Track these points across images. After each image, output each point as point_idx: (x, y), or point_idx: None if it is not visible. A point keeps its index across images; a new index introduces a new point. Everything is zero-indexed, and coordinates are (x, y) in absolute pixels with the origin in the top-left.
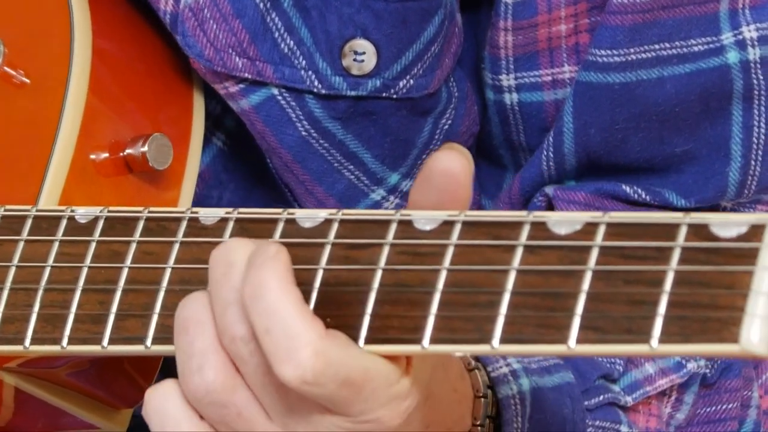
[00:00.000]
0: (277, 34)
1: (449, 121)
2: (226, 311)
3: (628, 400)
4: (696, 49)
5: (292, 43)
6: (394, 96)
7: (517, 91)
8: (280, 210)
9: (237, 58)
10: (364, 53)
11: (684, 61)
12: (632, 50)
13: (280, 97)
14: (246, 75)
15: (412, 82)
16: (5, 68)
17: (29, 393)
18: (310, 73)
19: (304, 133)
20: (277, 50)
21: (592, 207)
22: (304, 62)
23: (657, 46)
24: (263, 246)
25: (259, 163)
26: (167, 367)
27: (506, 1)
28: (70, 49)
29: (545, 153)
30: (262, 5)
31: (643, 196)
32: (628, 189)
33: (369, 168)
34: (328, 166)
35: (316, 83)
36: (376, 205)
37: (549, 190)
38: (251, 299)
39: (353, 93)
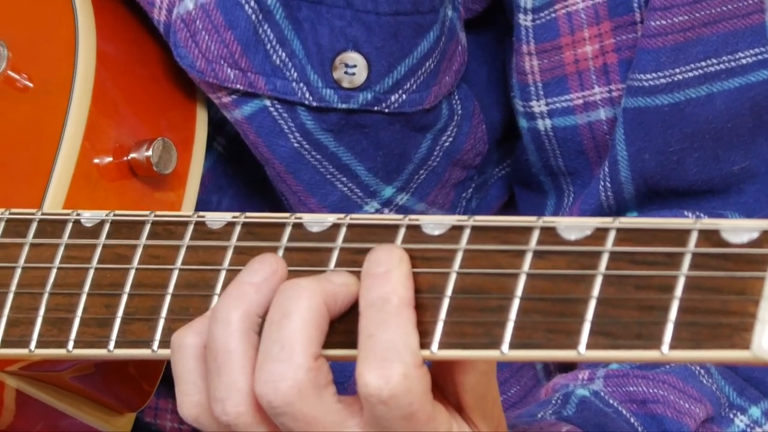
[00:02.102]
0: (269, 46)
1: (450, 139)
2: (264, 365)
3: None
4: (744, 61)
5: (284, 55)
6: (386, 110)
7: (549, 117)
8: (287, 214)
9: (229, 70)
10: (355, 66)
11: (733, 75)
12: (677, 70)
13: (272, 109)
14: (238, 86)
15: (404, 96)
16: (9, 72)
17: (32, 396)
18: (301, 85)
19: (296, 144)
20: (269, 62)
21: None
22: (295, 74)
23: (703, 63)
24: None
25: (259, 170)
26: (170, 368)
27: (526, 24)
28: (75, 54)
29: (602, 184)
30: (254, 17)
31: (704, 218)
32: (690, 215)
33: (362, 180)
34: (320, 177)
35: (307, 95)
36: None
37: None
38: (377, 300)
39: (344, 106)
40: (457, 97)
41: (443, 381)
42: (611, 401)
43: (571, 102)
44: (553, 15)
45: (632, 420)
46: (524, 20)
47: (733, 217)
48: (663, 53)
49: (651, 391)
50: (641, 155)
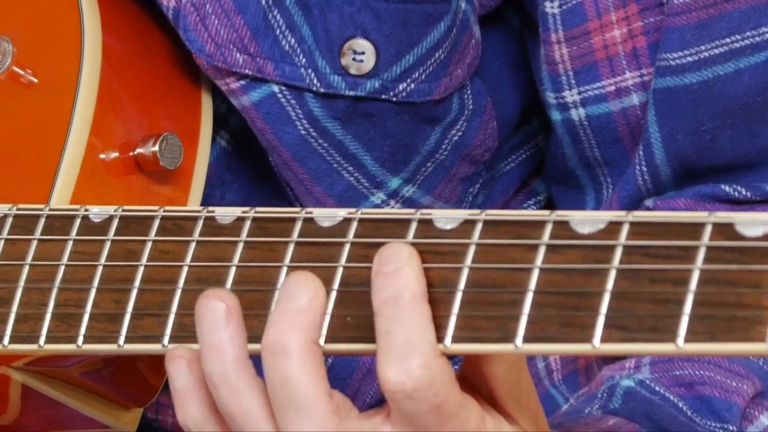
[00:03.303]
0: (278, 31)
1: (459, 133)
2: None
3: None
4: None
5: (293, 40)
6: (394, 99)
7: (583, 106)
8: (298, 209)
9: (238, 54)
10: (363, 53)
11: (758, 50)
12: (703, 47)
13: (280, 95)
14: (247, 71)
15: (412, 86)
16: (14, 68)
17: (39, 390)
18: (309, 71)
19: (303, 131)
20: (278, 47)
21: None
22: (304, 60)
23: (728, 40)
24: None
25: (262, 163)
26: None
27: (553, 11)
28: (81, 49)
29: (638, 168)
30: (264, 2)
31: (744, 192)
32: (727, 188)
33: (368, 170)
34: (327, 166)
35: (315, 81)
36: (376, 208)
37: (649, 202)
38: (390, 298)
39: (352, 93)
40: (469, 91)
41: (472, 375)
42: (657, 388)
43: (604, 89)
44: (580, 0)
45: (680, 404)
46: (551, 8)
47: None
48: (687, 31)
49: (697, 373)
50: (674, 136)
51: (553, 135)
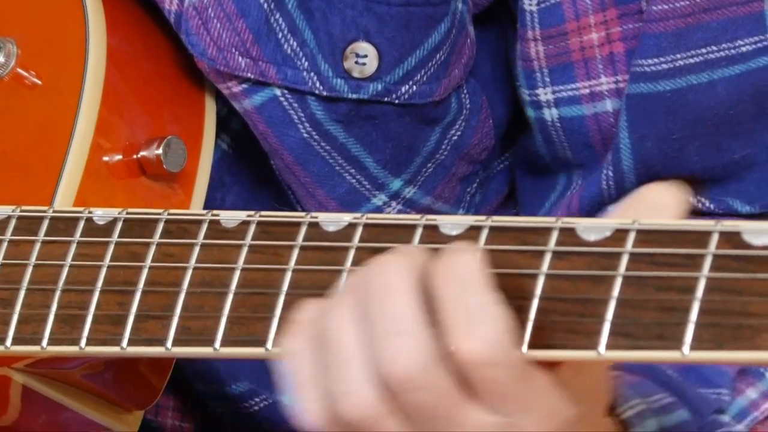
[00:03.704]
0: (280, 35)
1: (458, 133)
2: (383, 345)
3: (740, 428)
4: (744, 49)
5: (295, 44)
6: (396, 101)
7: (556, 106)
8: (303, 213)
9: (240, 58)
10: (365, 56)
11: (733, 63)
12: (679, 56)
13: (282, 98)
14: (249, 75)
15: (414, 88)
16: (19, 70)
17: (40, 392)
18: (312, 74)
19: (305, 135)
20: (280, 51)
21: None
22: (306, 63)
23: (704, 50)
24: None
25: (264, 167)
26: (179, 369)
27: (531, 9)
28: (85, 51)
29: (605, 172)
30: (266, 5)
31: (707, 204)
32: (692, 200)
33: (371, 172)
34: (329, 169)
35: (317, 85)
36: (378, 210)
37: (612, 208)
38: (447, 269)
39: (354, 96)
40: (465, 90)
41: None
42: None
43: (578, 91)
44: (558, 0)
45: (668, 371)
46: (529, 5)
47: (734, 203)
48: (665, 38)
49: None
50: (644, 142)
51: (527, 131)
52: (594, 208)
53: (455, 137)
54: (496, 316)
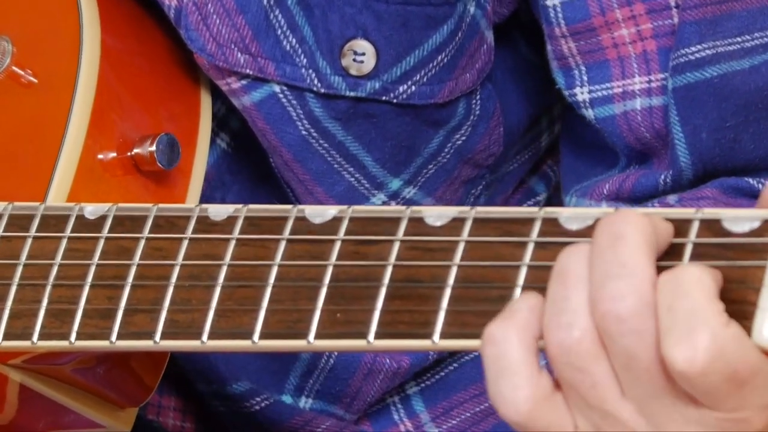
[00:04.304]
0: (279, 32)
1: (463, 138)
2: (605, 284)
3: None
4: None
5: (294, 40)
6: (394, 100)
7: (591, 107)
8: (289, 207)
9: (239, 54)
10: (363, 54)
11: None
12: (719, 42)
13: (281, 95)
14: (248, 71)
15: (414, 88)
16: (13, 68)
17: (34, 390)
18: (310, 71)
19: (304, 132)
20: (279, 47)
21: (720, 203)
22: (305, 60)
23: (739, 39)
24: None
25: (263, 165)
26: (173, 366)
27: (553, 3)
28: (79, 49)
29: (663, 174)
30: (265, 1)
31: None
32: (752, 181)
33: (369, 171)
34: (327, 167)
35: (316, 82)
36: None
37: (672, 198)
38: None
39: (352, 94)
40: (478, 96)
41: None
42: None
43: (611, 90)
44: None
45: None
46: (551, 0)
47: None
48: (704, 24)
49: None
50: (698, 134)
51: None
52: (645, 197)
53: (459, 141)
54: (708, 323)
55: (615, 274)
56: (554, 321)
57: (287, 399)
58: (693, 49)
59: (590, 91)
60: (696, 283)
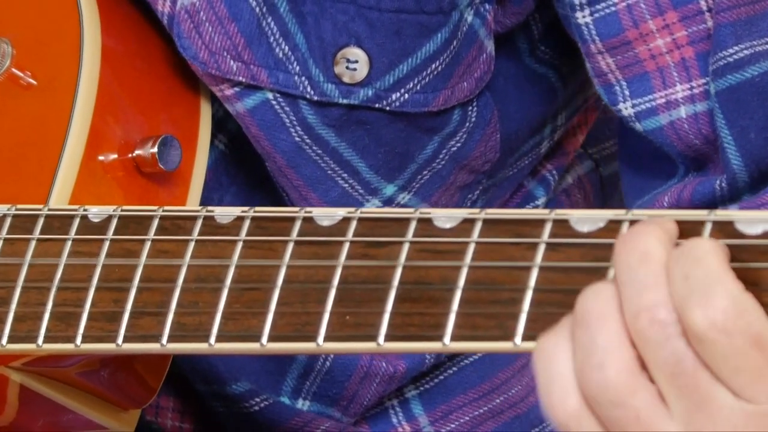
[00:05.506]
0: (272, 39)
1: (459, 144)
2: (644, 293)
3: None
4: None
5: (287, 48)
6: (387, 108)
7: (638, 120)
8: (297, 208)
9: (232, 62)
10: (356, 62)
11: None
12: (755, 42)
13: (274, 102)
14: (240, 79)
15: (407, 96)
16: (14, 70)
17: (37, 391)
18: (303, 78)
19: (297, 139)
20: (271, 55)
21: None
22: (298, 68)
23: None
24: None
25: (260, 167)
26: (172, 366)
27: (586, 21)
28: (80, 51)
29: (718, 180)
30: (258, 9)
31: None
32: None
33: (363, 177)
34: (321, 173)
35: (308, 89)
36: None
37: (734, 210)
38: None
39: (345, 101)
40: (475, 104)
41: None
42: None
43: (654, 101)
44: (613, 8)
45: None
46: (582, 18)
47: None
48: (739, 26)
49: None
50: (747, 135)
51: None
52: (704, 205)
53: (454, 148)
54: (724, 285)
55: (653, 283)
56: (586, 365)
57: (285, 400)
58: (731, 50)
59: (634, 105)
60: (709, 251)
